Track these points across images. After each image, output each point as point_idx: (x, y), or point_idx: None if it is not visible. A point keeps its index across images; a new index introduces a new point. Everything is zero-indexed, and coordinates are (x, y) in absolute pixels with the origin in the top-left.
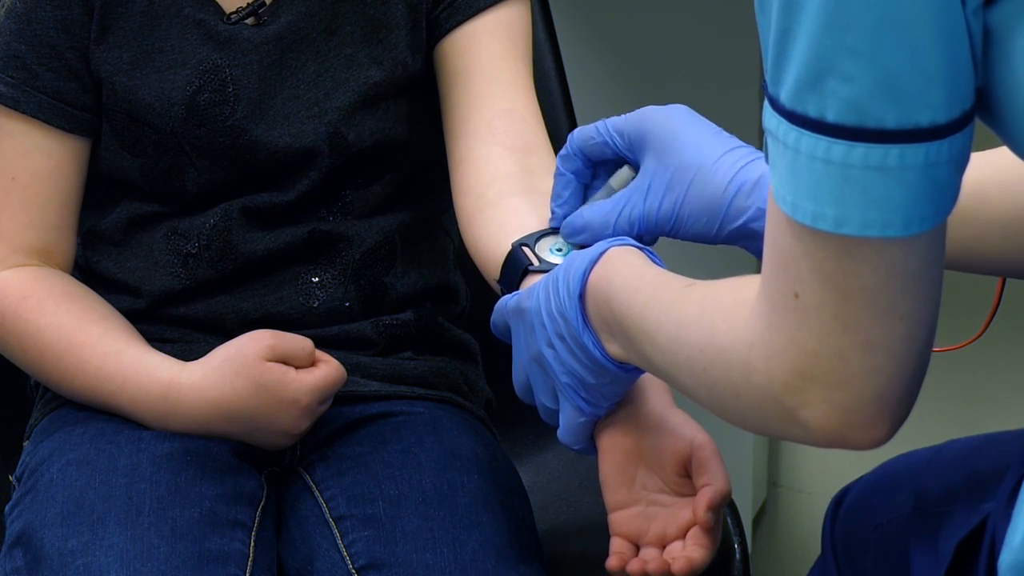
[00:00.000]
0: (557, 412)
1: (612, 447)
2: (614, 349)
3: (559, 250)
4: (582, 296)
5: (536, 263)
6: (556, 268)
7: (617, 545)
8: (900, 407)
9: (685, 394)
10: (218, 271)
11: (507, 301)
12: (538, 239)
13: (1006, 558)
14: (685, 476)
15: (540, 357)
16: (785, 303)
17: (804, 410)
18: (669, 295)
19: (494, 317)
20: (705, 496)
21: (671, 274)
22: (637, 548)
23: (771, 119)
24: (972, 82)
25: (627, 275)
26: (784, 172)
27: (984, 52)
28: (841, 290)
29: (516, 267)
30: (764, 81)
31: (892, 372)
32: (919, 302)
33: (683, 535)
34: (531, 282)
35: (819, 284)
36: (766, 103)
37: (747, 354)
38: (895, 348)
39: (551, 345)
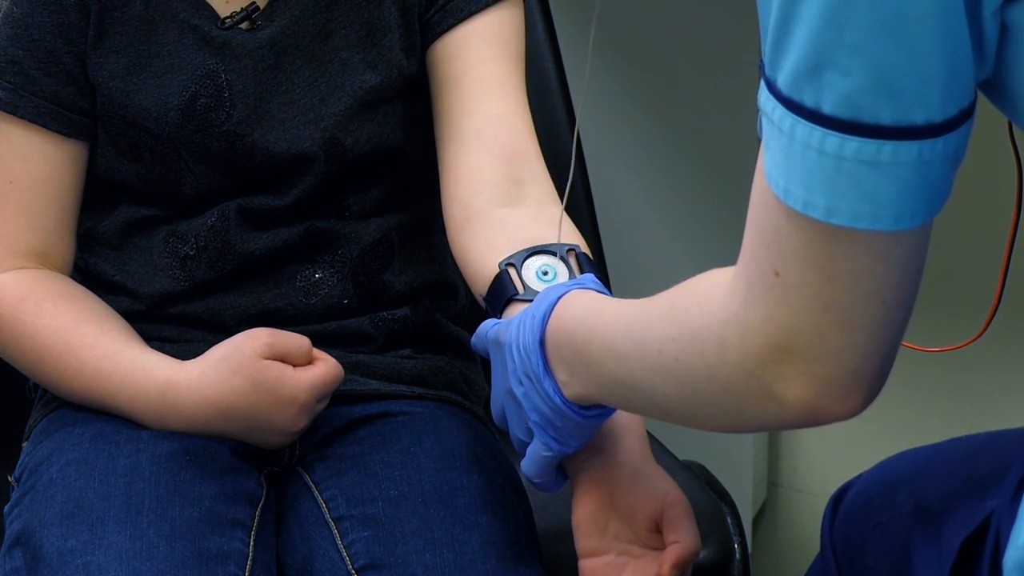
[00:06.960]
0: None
1: (586, 496)
2: (575, 390)
3: (545, 273)
4: (542, 341)
5: (521, 290)
6: (530, 305)
7: None
8: (875, 381)
9: (654, 408)
10: (216, 271)
11: (488, 330)
12: (525, 258)
13: (1011, 556)
14: (656, 531)
15: (512, 393)
16: (764, 281)
17: (780, 383)
18: (634, 306)
19: (474, 340)
20: (672, 553)
21: (633, 300)
22: None
23: (767, 101)
24: (972, 81)
25: (588, 308)
26: (778, 155)
27: (1000, 45)
28: (826, 272)
29: (501, 294)
30: (761, 62)
31: (869, 350)
32: (901, 286)
33: None
34: (514, 309)
35: (802, 265)
36: (762, 83)
37: (721, 331)
38: (874, 328)
39: (521, 383)
